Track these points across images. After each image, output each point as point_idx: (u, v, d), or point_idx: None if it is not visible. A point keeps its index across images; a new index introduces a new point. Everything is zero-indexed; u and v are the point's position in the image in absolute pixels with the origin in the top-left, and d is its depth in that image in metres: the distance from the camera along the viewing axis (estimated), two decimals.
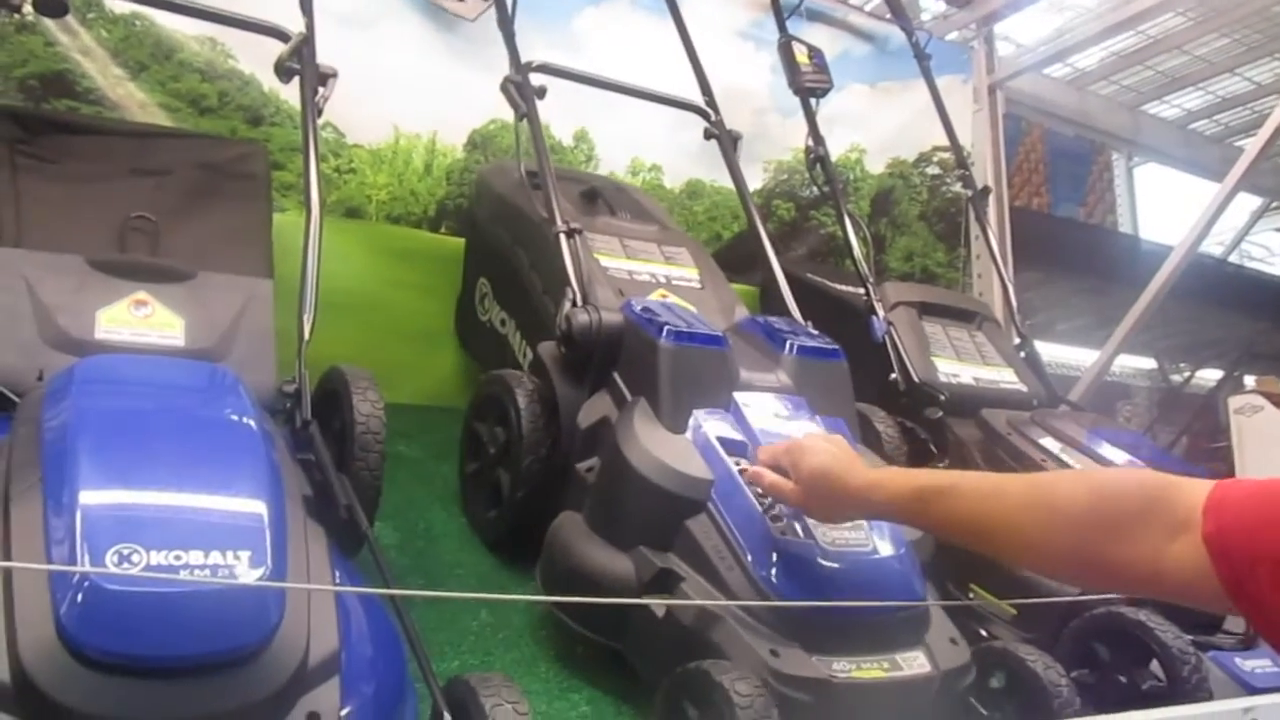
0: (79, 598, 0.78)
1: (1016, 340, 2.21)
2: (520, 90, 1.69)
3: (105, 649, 0.78)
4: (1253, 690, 1.43)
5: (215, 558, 0.84)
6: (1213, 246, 4.41)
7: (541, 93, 1.72)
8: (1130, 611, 1.44)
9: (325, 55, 1.53)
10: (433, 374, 2.07)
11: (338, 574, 1.05)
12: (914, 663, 1.21)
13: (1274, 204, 4.10)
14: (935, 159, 2.65)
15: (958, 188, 2.54)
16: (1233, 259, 4.81)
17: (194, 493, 0.90)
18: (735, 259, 2.27)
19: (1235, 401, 2.31)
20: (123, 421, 0.96)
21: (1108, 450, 1.71)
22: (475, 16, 2.10)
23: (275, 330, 1.36)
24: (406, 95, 2.09)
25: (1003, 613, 1.62)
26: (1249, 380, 4.24)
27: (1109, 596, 1.53)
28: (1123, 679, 1.42)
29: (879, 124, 2.70)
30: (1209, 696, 1.37)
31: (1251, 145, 2.48)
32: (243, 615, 0.84)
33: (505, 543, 1.55)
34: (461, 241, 2.05)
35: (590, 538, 1.30)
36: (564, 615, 1.31)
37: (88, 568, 0.79)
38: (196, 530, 0.86)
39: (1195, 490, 0.86)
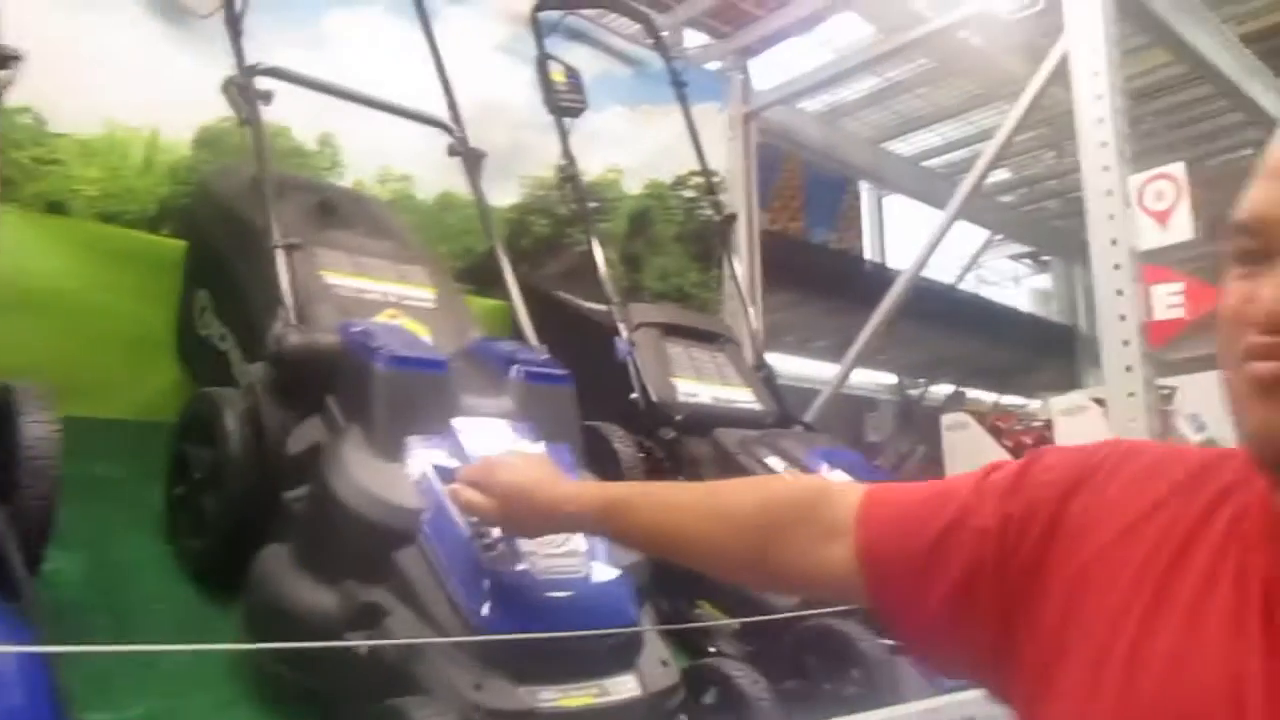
0: None
1: (755, 361, 2.30)
2: (244, 93, 1.59)
3: None
4: (945, 689, 1.55)
5: None
6: (949, 274, 4.81)
7: (268, 98, 1.62)
8: (837, 623, 1.53)
9: (24, 36, 1.38)
10: (148, 386, 1.91)
11: None
12: (623, 687, 1.22)
13: (998, 237, 4.50)
14: (692, 182, 2.73)
15: (709, 211, 2.62)
16: (970, 285, 5.28)
17: None
18: (487, 274, 2.24)
19: (946, 419, 2.52)
20: None
21: (825, 469, 1.81)
22: (209, 13, 1.97)
23: None
24: (125, 85, 1.92)
25: (727, 627, 1.68)
26: (978, 394, 4.62)
27: (821, 610, 1.63)
28: (827, 686, 1.51)
29: (638, 146, 2.75)
30: (901, 698, 1.47)
31: (965, 181, 2.69)
32: None
33: (212, 573, 1.44)
34: (183, 245, 1.91)
35: (295, 571, 1.24)
36: (264, 658, 1.24)
37: None
38: None
39: (850, 498, 0.92)
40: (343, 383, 1.35)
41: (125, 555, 1.51)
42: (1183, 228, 2.07)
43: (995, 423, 2.78)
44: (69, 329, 1.78)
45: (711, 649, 1.68)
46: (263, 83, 1.64)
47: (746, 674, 1.36)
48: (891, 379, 5.12)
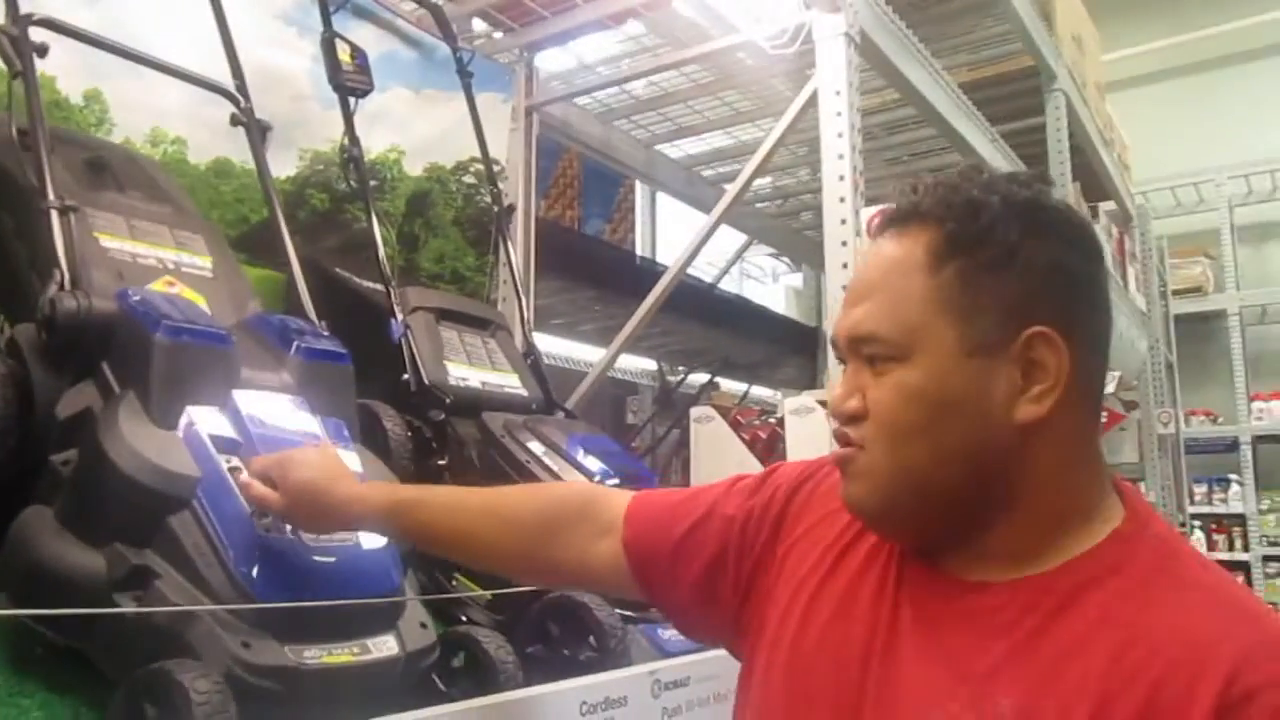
0: None
1: (524, 349, 2.44)
2: (16, 45, 1.54)
3: None
4: (666, 654, 1.76)
5: None
6: (713, 269, 5.15)
7: (43, 51, 1.58)
8: (576, 595, 1.70)
9: None
10: None
11: None
12: (383, 646, 1.33)
13: (755, 241, 4.87)
14: (472, 169, 2.82)
15: (488, 199, 2.72)
16: (734, 278, 5.67)
17: None
18: (262, 244, 2.24)
19: (695, 412, 2.77)
20: None
21: (581, 455, 1.98)
22: None
23: None
24: None
25: (479, 599, 1.82)
26: (727, 384, 4.97)
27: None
28: (566, 651, 1.68)
29: (420, 129, 2.80)
30: (630, 662, 1.66)
31: (729, 191, 2.95)
32: None
33: None
34: None
35: (60, 533, 1.26)
36: (24, 617, 1.25)
37: None
38: None
39: (619, 500, 1.11)
40: (119, 350, 1.36)
41: None
42: None
43: (736, 417, 3.07)
44: None
45: (464, 618, 1.81)
46: (37, 34, 1.60)
47: (493, 639, 1.49)
48: (653, 366, 5.40)
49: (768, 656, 0.93)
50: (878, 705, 0.81)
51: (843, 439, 0.85)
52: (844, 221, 2.40)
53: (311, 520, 1.21)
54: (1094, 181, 5.09)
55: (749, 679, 0.96)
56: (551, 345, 4.32)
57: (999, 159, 3.56)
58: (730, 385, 5.19)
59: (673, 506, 1.06)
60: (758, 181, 4.03)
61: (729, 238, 5.11)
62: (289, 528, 1.27)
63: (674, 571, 1.03)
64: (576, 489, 1.24)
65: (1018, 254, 0.79)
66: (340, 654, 1.26)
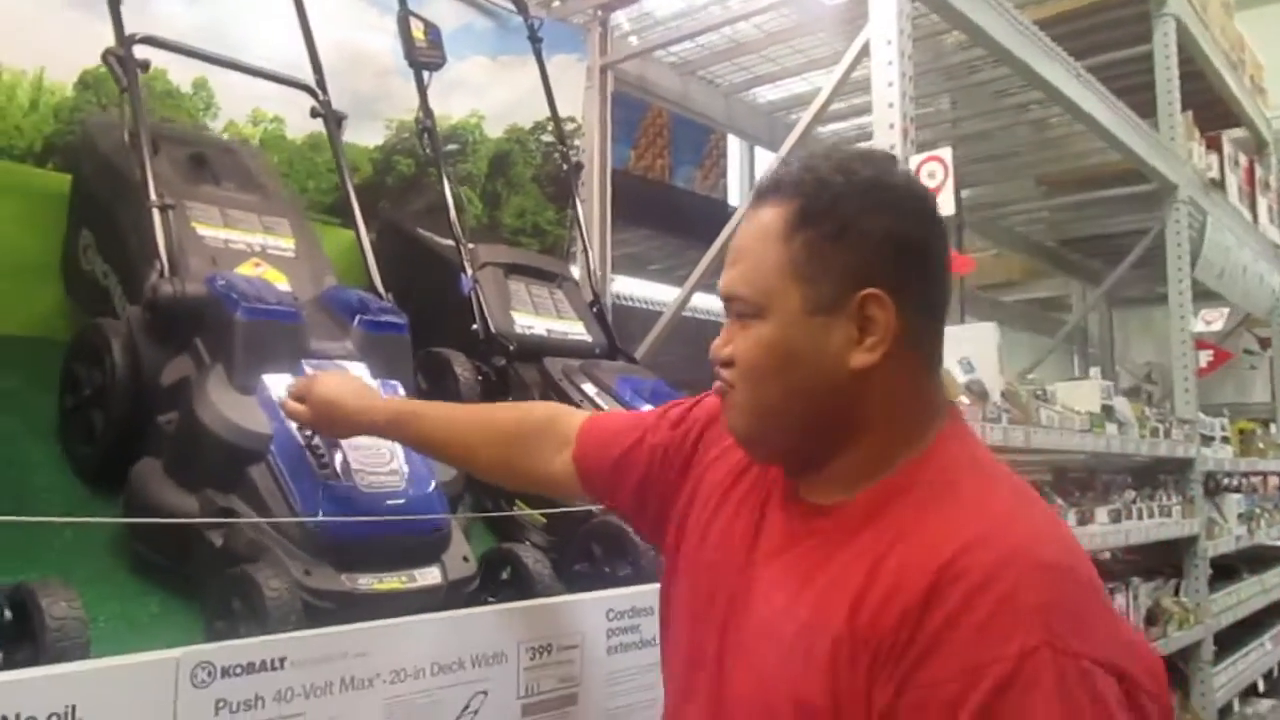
0: None
1: (591, 298, 2.63)
2: (123, 64, 1.81)
3: None
4: None
5: None
6: None
7: (146, 66, 1.84)
8: (615, 521, 1.90)
9: None
10: (38, 306, 2.14)
11: None
12: (428, 576, 1.57)
13: None
14: (549, 128, 2.99)
15: (570, 154, 2.89)
16: None
17: None
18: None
19: None
20: None
21: (630, 396, 2.17)
22: None
23: None
24: (9, 29, 2.09)
25: (534, 521, 2.05)
26: None
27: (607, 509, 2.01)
28: (607, 570, 1.89)
29: (499, 93, 2.99)
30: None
31: (790, 136, 3.03)
32: None
33: (98, 476, 1.73)
34: (68, 178, 2.12)
35: (165, 481, 1.55)
36: (140, 544, 1.56)
37: None
38: None
39: (576, 420, 1.34)
40: (208, 327, 1.63)
41: (23, 455, 1.78)
42: (948, 204, 2.46)
43: None
44: None
45: (526, 540, 2.06)
46: (140, 51, 1.86)
47: (531, 555, 1.72)
48: None
49: (676, 565, 1.15)
50: (741, 607, 1.00)
51: (718, 378, 1.03)
52: None
53: (331, 427, 1.47)
54: (1217, 108, 4.84)
55: (665, 582, 1.18)
56: (643, 290, 4.51)
57: (1087, 96, 3.49)
58: None
59: (616, 431, 1.27)
60: (839, 124, 4.06)
61: None
62: (341, 471, 1.51)
63: (612, 486, 1.26)
64: (547, 409, 1.43)
65: (855, 227, 0.93)
66: (389, 582, 1.51)
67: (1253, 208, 5.33)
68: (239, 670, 1.13)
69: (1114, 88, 3.67)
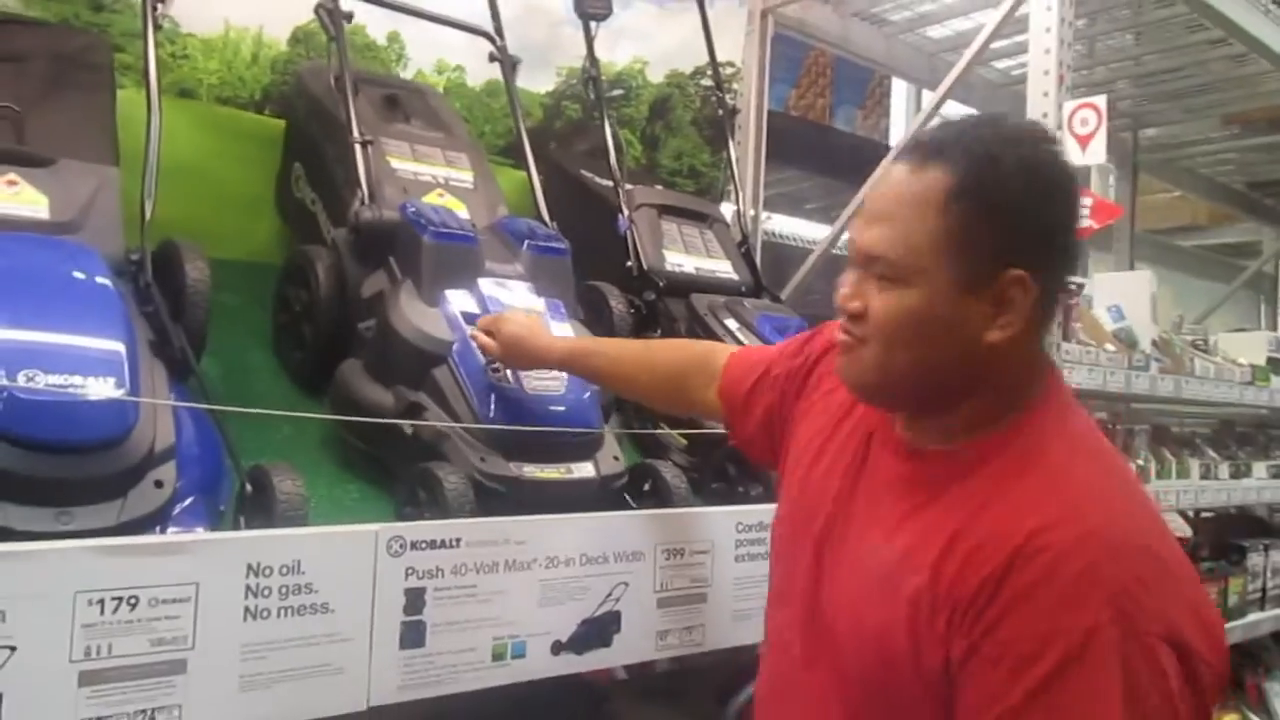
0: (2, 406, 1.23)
1: (740, 238, 2.76)
2: (331, 16, 2.06)
3: (29, 435, 1.23)
4: None
5: (92, 380, 1.30)
6: None
7: (350, 17, 2.09)
8: None
9: None
10: (256, 236, 2.46)
11: (173, 394, 1.52)
12: (583, 469, 1.77)
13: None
14: (708, 73, 3.11)
15: (726, 99, 3.01)
16: None
17: (73, 336, 1.34)
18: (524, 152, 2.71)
19: None
20: (14, 282, 1.38)
21: (769, 331, 2.30)
22: None
23: (121, 207, 1.75)
24: None
25: (676, 442, 2.23)
26: None
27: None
28: (741, 489, 2.05)
29: (662, 39, 3.14)
30: None
31: (951, 72, 3.03)
32: (112, 416, 1.30)
33: (306, 380, 2.02)
34: (281, 123, 2.42)
35: (364, 378, 1.81)
36: (344, 432, 1.82)
37: (10, 384, 1.23)
38: (78, 361, 1.31)
39: (723, 356, 1.48)
40: (400, 248, 1.87)
41: (245, 362, 2.09)
42: (1098, 152, 2.45)
43: None
44: (197, 191, 2.29)
45: (666, 459, 2.23)
46: (345, 3, 2.11)
47: (670, 469, 1.89)
48: None
49: (786, 488, 1.27)
50: (839, 534, 1.10)
51: (845, 329, 1.05)
52: (1045, 115, 2.48)
53: (516, 360, 1.66)
54: None
55: (779, 502, 1.30)
56: (805, 230, 4.58)
57: (1270, 32, 3.32)
58: None
59: (751, 364, 1.42)
60: (1006, 62, 3.99)
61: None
62: (511, 376, 1.73)
63: (745, 414, 1.40)
64: (703, 347, 1.58)
65: (1013, 208, 0.93)
66: (550, 472, 1.72)
67: None
68: (424, 545, 1.37)
69: None
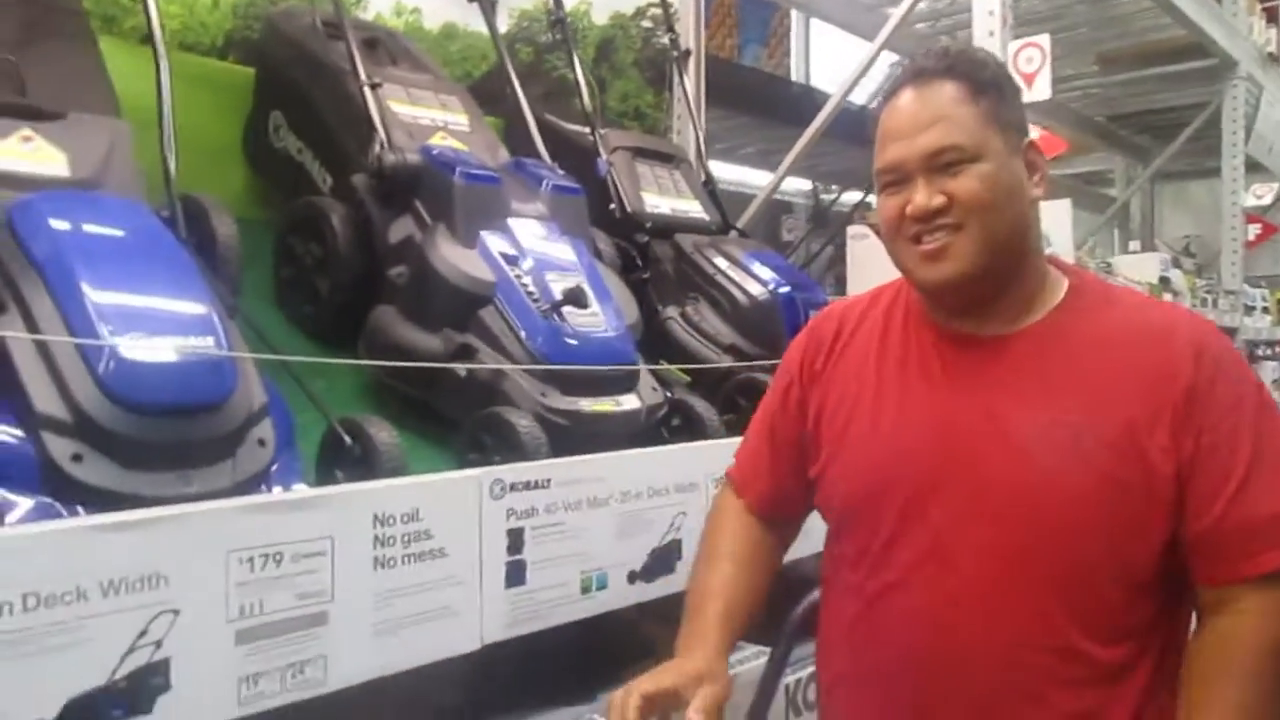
0: (112, 366, 1.19)
1: (704, 179, 2.83)
2: None
3: (140, 398, 1.19)
4: None
5: (194, 340, 1.26)
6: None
7: None
8: (760, 377, 2.13)
9: None
10: (223, 186, 2.35)
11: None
12: (629, 401, 1.83)
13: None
14: (649, 14, 3.14)
15: (665, 40, 3.05)
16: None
17: (165, 298, 1.30)
18: (484, 95, 2.68)
19: (851, 230, 3.10)
20: (91, 244, 1.31)
21: (757, 267, 2.39)
22: None
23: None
24: None
25: (681, 379, 2.30)
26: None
27: (748, 364, 2.26)
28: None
29: None
30: None
31: (896, 13, 3.16)
32: (218, 376, 1.27)
33: (322, 332, 1.98)
34: (248, 71, 2.32)
35: (405, 323, 1.79)
36: (393, 380, 1.81)
37: (117, 344, 1.19)
38: (178, 323, 1.27)
39: (731, 491, 1.37)
40: (428, 192, 1.85)
41: (252, 319, 2.02)
42: (1043, 89, 2.63)
43: None
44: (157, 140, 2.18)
45: (668, 394, 2.31)
46: None
47: (701, 404, 1.97)
48: (807, 185, 5.64)
49: (838, 445, 1.21)
50: (977, 431, 1.10)
51: (929, 230, 1.10)
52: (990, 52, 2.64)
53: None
54: None
55: (831, 467, 1.23)
56: (714, 170, 4.67)
57: None
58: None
59: (754, 451, 1.35)
60: (920, 5, 4.15)
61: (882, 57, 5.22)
62: (561, 319, 1.75)
63: (790, 494, 1.31)
64: (724, 518, 1.36)
65: (1011, 93, 1.14)
66: (603, 404, 1.77)
67: None
68: (521, 486, 1.40)
69: None
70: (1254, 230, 5.20)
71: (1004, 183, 1.09)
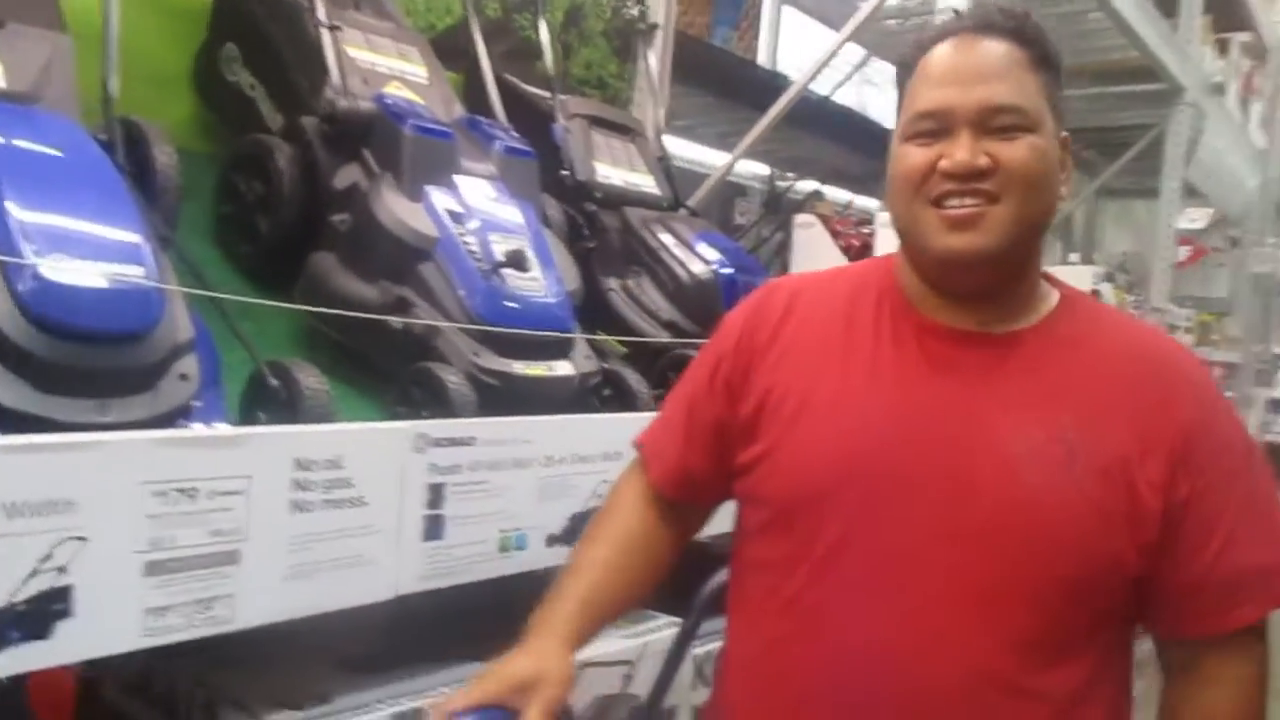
0: (33, 285, 1.16)
1: (659, 154, 2.83)
2: None
3: (59, 320, 1.17)
4: None
5: (120, 267, 1.24)
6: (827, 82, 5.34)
7: None
8: (691, 353, 2.15)
9: None
10: (171, 116, 2.29)
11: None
12: (563, 367, 1.83)
13: (872, 57, 5.03)
14: None
15: (635, 12, 3.04)
16: (854, 85, 5.83)
17: (94, 222, 1.27)
18: (444, 49, 2.65)
19: (799, 219, 3.15)
20: (24, 163, 1.28)
21: (703, 247, 2.41)
22: None
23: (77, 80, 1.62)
24: None
25: (617, 350, 2.32)
26: (831, 192, 5.23)
27: (679, 341, 2.28)
28: None
29: None
30: None
31: (866, 5, 3.19)
32: (143, 305, 1.25)
33: (258, 273, 1.95)
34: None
35: (343, 272, 1.78)
36: (325, 326, 1.79)
37: (39, 263, 1.16)
38: (106, 248, 1.25)
39: (636, 470, 1.34)
40: (377, 139, 1.83)
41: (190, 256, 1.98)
42: None
43: (835, 225, 3.44)
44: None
45: (603, 364, 2.32)
46: None
47: (635, 376, 1.99)
48: (764, 170, 5.66)
49: (800, 422, 1.09)
50: (973, 431, 1.00)
51: (956, 196, 1.00)
52: None
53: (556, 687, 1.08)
54: (1232, 8, 5.00)
55: (765, 466, 1.12)
56: (672, 146, 4.68)
57: None
58: (835, 194, 5.45)
59: (669, 424, 1.29)
60: (891, 1, 4.18)
61: (847, 49, 5.26)
62: (500, 280, 1.75)
63: (699, 481, 1.25)
64: (621, 498, 1.32)
65: (1060, 76, 1.06)
66: (536, 368, 1.78)
67: (1244, 111, 5.58)
68: (445, 442, 1.41)
69: None
70: (1185, 251, 5.37)
71: (1051, 163, 1.02)
